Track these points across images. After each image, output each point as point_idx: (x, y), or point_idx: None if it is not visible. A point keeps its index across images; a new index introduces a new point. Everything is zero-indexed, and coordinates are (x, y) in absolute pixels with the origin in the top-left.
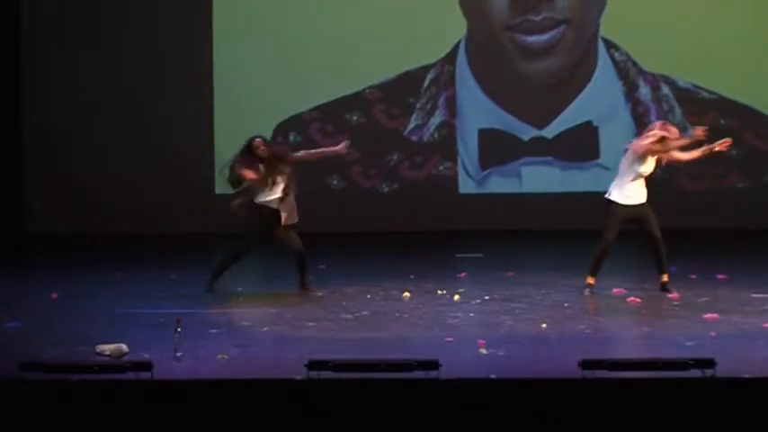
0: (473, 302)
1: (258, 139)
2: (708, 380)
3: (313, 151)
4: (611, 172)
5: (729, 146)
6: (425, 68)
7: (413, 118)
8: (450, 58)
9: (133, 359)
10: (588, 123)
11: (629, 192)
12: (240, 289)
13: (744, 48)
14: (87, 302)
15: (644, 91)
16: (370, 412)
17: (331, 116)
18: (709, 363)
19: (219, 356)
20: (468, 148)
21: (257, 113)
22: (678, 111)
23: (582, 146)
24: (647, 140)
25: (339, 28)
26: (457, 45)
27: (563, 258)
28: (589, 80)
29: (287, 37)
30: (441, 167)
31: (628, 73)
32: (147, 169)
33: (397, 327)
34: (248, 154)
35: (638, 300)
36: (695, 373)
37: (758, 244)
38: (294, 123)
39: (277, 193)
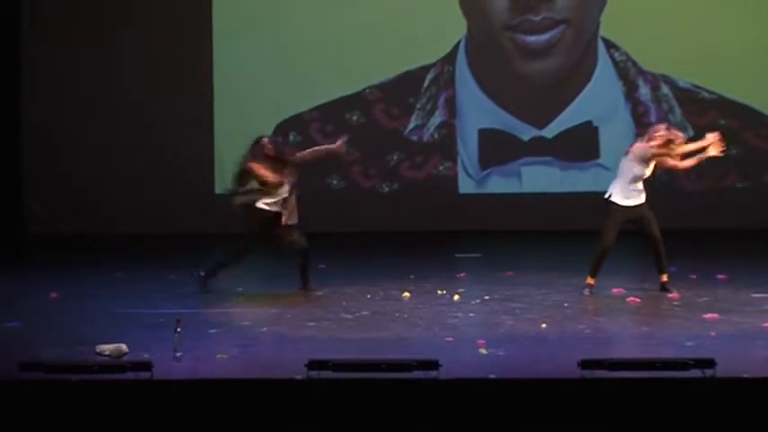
0: (473, 302)
1: (265, 138)
2: (708, 380)
3: (312, 150)
4: (611, 172)
5: (724, 150)
6: (425, 68)
7: (413, 118)
8: (450, 58)
9: (133, 359)
10: (588, 123)
11: (629, 193)
12: (240, 289)
13: (744, 47)
14: (87, 302)
15: (644, 91)
16: (370, 412)
17: (331, 116)
18: (709, 363)
19: (219, 356)
20: (467, 148)
21: (257, 113)
22: (678, 111)
23: (582, 146)
24: (652, 143)
25: (339, 28)
26: (457, 45)
27: (563, 258)
28: (589, 80)
29: (287, 37)
30: (441, 167)
31: (628, 73)
32: (147, 169)
33: (397, 327)
34: (254, 153)
35: (638, 300)
36: (695, 373)
37: (758, 244)
38: (294, 123)
39: (280, 194)
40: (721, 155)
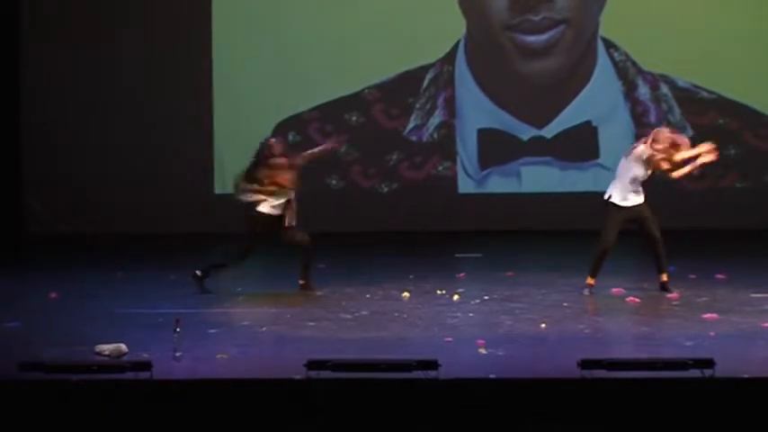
0: (472, 302)
1: (272, 140)
2: (707, 380)
3: (310, 152)
4: (611, 172)
5: (716, 158)
6: (425, 68)
7: (412, 118)
8: (450, 58)
9: (132, 359)
10: (587, 123)
11: (629, 193)
12: (240, 289)
13: (743, 47)
14: (87, 302)
15: (643, 90)
16: (370, 412)
17: (330, 116)
18: (709, 363)
19: (219, 356)
20: (467, 148)
21: (257, 113)
22: (677, 110)
23: (581, 146)
24: (657, 145)
25: (338, 28)
26: (456, 45)
27: (562, 258)
28: (588, 80)
29: (286, 37)
30: (440, 167)
31: (627, 72)
32: (147, 169)
33: (397, 327)
34: (263, 155)
35: (638, 300)
36: (694, 372)
37: (757, 244)
38: (293, 123)
39: (286, 197)
40: (714, 159)
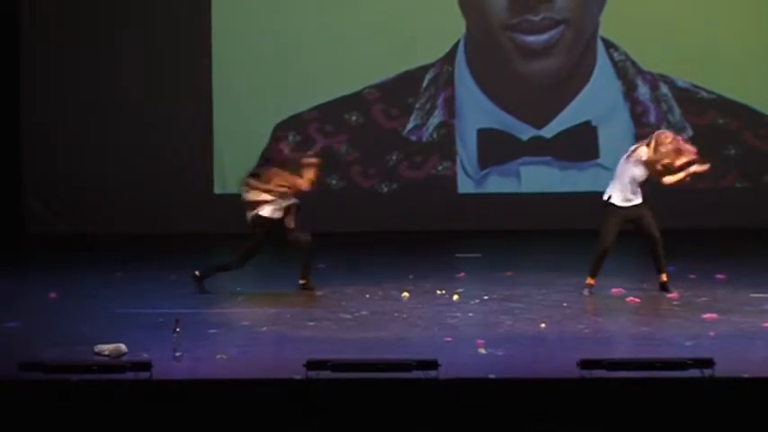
0: (472, 302)
1: (282, 143)
2: (707, 380)
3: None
4: (610, 172)
5: (707, 171)
6: (424, 68)
7: (412, 118)
8: (449, 57)
9: (132, 359)
10: (587, 123)
11: (628, 194)
12: (240, 289)
13: (743, 47)
14: (87, 302)
15: (643, 90)
16: (369, 412)
17: (330, 116)
18: (708, 362)
19: (218, 356)
20: (467, 148)
21: (256, 113)
22: (677, 110)
23: (581, 145)
24: (662, 148)
25: (338, 28)
26: (456, 45)
27: (562, 258)
28: (588, 80)
29: (286, 37)
30: (440, 167)
31: (627, 72)
32: (147, 169)
33: (396, 327)
34: (273, 157)
35: (637, 300)
36: (694, 372)
37: (757, 244)
38: (293, 123)
39: (287, 200)
40: (705, 171)
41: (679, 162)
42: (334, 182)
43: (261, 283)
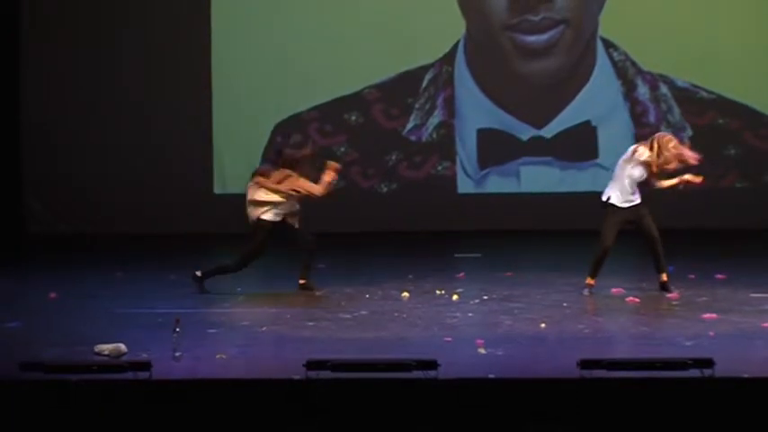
0: (472, 302)
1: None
2: (706, 380)
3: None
4: (610, 172)
5: (701, 182)
6: (424, 68)
7: (411, 118)
8: (449, 57)
9: (132, 359)
10: (587, 123)
11: (626, 194)
12: (239, 289)
13: (743, 47)
14: (87, 302)
15: (642, 90)
16: (369, 412)
17: (330, 116)
18: (708, 362)
19: (218, 356)
20: (466, 148)
21: (256, 113)
22: (677, 110)
23: (580, 145)
24: (666, 153)
25: (338, 28)
26: (455, 45)
27: (562, 258)
28: (588, 80)
29: (286, 37)
30: (439, 167)
31: (626, 72)
32: (146, 169)
33: (396, 327)
34: (283, 156)
35: (637, 299)
36: (694, 372)
37: (757, 244)
38: (293, 123)
39: (293, 206)
40: (699, 183)
41: (676, 166)
42: (333, 182)
43: (261, 283)
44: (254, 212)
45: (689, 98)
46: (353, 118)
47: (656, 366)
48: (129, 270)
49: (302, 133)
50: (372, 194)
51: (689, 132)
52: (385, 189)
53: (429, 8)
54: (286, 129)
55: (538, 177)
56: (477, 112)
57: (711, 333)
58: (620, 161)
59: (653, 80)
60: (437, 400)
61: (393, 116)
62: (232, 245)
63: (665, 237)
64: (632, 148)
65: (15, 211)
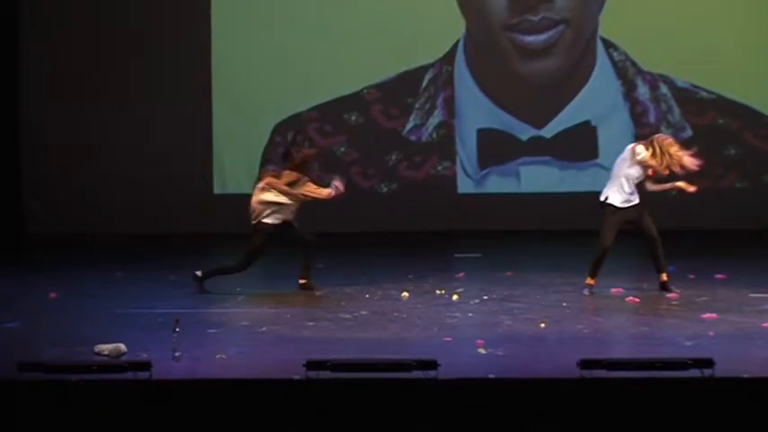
0: (472, 302)
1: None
2: (706, 380)
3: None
4: (610, 172)
5: (694, 191)
6: (424, 68)
7: (411, 118)
8: (449, 57)
9: (132, 359)
10: (587, 123)
11: (625, 194)
12: (239, 289)
13: (743, 47)
14: (87, 302)
15: (642, 90)
16: (369, 412)
17: (329, 116)
18: (708, 362)
19: (218, 356)
20: (466, 148)
21: (256, 113)
22: (677, 110)
23: (580, 145)
24: (666, 158)
25: (338, 28)
26: (455, 45)
27: (562, 258)
28: (587, 80)
29: (285, 37)
30: (439, 167)
31: (626, 72)
32: (146, 169)
33: (396, 327)
34: (292, 160)
35: (637, 299)
36: (694, 372)
37: (757, 244)
38: (293, 123)
39: (296, 209)
40: (692, 192)
41: (664, 171)
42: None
43: (261, 283)
44: (256, 215)
45: (689, 98)
46: (353, 118)
47: (656, 366)
48: (129, 270)
49: (302, 133)
50: (372, 194)
51: (689, 132)
52: (385, 189)
53: (429, 8)
54: (287, 129)
55: (538, 177)
56: (477, 111)
57: (711, 333)
58: (618, 160)
59: (653, 80)
60: (437, 400)
61: (393, 116)
62: (232, 245)
63: (665, 237)
64: (630, 147)
65: (15, 211)
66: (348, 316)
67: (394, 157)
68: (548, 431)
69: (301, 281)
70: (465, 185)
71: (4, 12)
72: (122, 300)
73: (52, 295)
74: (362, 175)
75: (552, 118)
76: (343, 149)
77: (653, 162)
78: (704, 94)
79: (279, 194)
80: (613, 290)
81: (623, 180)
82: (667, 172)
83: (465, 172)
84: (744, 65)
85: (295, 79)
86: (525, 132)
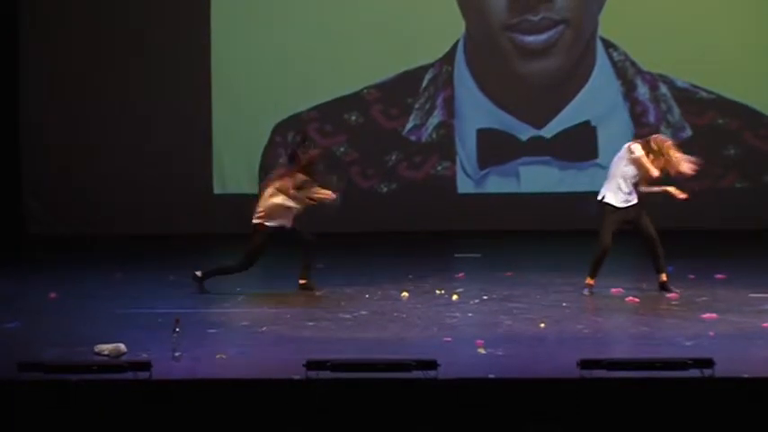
0: (471, 302)
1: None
2: (706, 380)
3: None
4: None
5: (684, 198)
6: (424, 68)
7: (411, 118)
8: (449, 57)
9: (132, 359)
10: (586, 123)
11: (622, 194)
12: (239, 289)
13: (742, 47)
14: (87, 302)
15: (642, 90)
16: (369, 412)
17: (329, 116)
18: (708, 362)
19: (218, 356)
20: (466, 148)
21: (256, 113)
22: (676, 110)
23: (580, 145)
24: (663, 159)
25: (338, 28)
26: (455, 45)
27: (561, 258)
28: (587, 80)
29: (285, 37)
30: (439, 167)
31: (626, 72)
32: (146, 169)
33: (396, 327)
34: (299, 162)
35: (637, 299)
36: (694, 372)
37: (757, 244)
38: (293, 123)
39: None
40: (683, 198)
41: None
42: (333, 182)
43: (261, 283)
44: (259, 217)
45: (689, 98)
46: (353, 118)
47: (656, 366)
48: (129, 270)
49: (305, 133)
50: (372, 194)
51: (688, 132)
52: (385, 189)
53: (429, 8)
54: (287, 129)
55: (537, 177)
56: (476, 112)
57: (711, 333)
58: (615, 159)
59: (653, 80)
60: (437, 400)
61: (393, 116)
62: (232, 245)
63: (665, 237)
64: (626, 145)
65: (15, 211)
66: (348, 316)
67: (394, 158)
68: (548, 431)
69: (301, 281)
70: (465, 185)
71: (4, 12)
72: (122, 300)
73: (52, 295)
74: (362, 175)
75: (552, 118)
76: (342, 149)
77: (646, 162)
78: (704, 94)
79: (287, 199)
80: (613, 290)
81: (620, 179)
82: (659, 174)
83: (465, 172)
84: (744, 65)
85: (295, 79)
86: (525, 132)
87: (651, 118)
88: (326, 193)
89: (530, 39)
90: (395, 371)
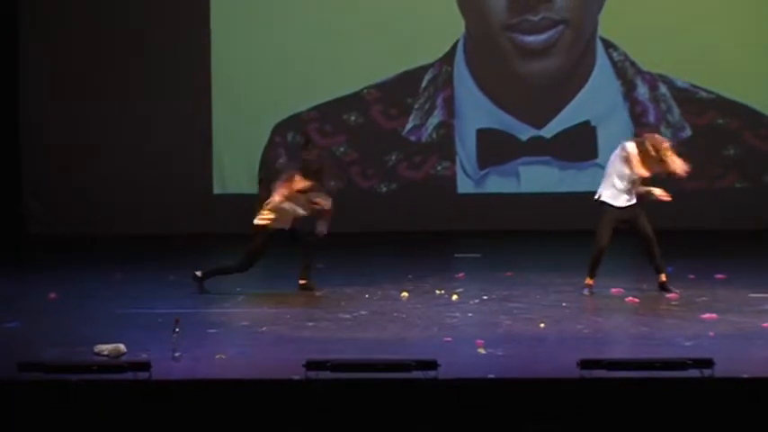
0: (471, 302)
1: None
2: (706, 380)
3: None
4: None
5: (668, 199)
6: (423, 68)
7: (411, 118)
8: (449, 57)
9: (131, 359)
10: (586, 123)
11: (619, 193)
12: (239, 289)
13: (742, 47)
14: (87, 302)
15: (642, 90)
16: (369, 412)
17: (329, 116)
18: (708, 363)
19: (218, 357)
20: (466, 148)
21: (256, 113)
22: (676, 110)
23: (580, 146)
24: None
25: (337, 28)
26: (455, 45)
27: (561, 258)
28: (587, 80)
29: (285, 37)
30: (439, 167)
31: (626, 72)
32: (146, 169)
33: (396, 327)
34: (306, 167)
35: (637, 299)
36: (693, 372)
37: (757, 244)
38: (292, 123)
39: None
40: (665, 200)
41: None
42: (332, 182)
43: (261, 283)
44: (261, 219)
45: (688, 98)
46: (353, 118)
47: (656, 366)
48: (129, 270)
49: (302, 134)
50: (372, 194)
51: (688, 132)
52: (385, 189)
53: (429, 8)
54: (286, 129)
55: (537, 177)
56: (476, 111)
57: (711, 333)
58: (612, 158)
59: (652, 80)
60: (437, 400)
61: (393, 116)
62: (232, 245)
63: (664, 237)
64: (621, 144)
65: (15, 211)
66: (348, 316)
67: (394, 158)
68: (548, 431)
69: (301, 281)
70: (465, 185)
71: (4, 12)
72: (122, 300)
73: (52, 295)
74: (362, 175)
75: (552, 118)
76: (342, 149)
77: (635, 160)
78: (704, 94)
79: (296, 207)
80: (613, 290)
81: (615, 178)
82: (649, 174)
83: (465, 172)
84: (743, 65)
85: (295, 79)
86: (525, 132)
87: (651, 118)
88: (324, 202)
89: (530, 39)
90: (395, 371)
